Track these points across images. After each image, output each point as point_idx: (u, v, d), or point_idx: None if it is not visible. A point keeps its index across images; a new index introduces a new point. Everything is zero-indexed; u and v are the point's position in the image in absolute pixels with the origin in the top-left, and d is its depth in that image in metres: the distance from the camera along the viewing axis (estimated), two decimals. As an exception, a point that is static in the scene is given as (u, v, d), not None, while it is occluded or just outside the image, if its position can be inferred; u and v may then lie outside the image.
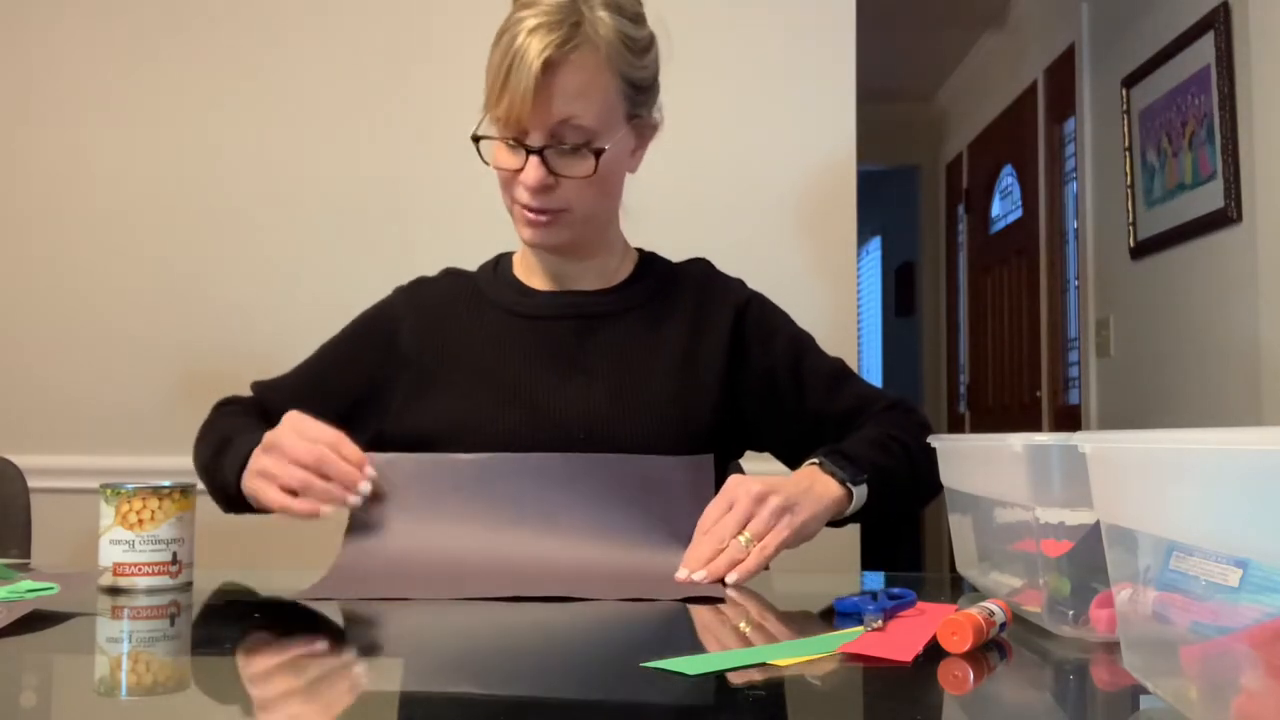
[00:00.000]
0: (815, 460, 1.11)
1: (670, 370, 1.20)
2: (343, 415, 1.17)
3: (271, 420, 1.11)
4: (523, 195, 1.14)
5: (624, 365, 1.20)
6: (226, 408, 1.28)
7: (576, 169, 1.13)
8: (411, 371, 1.23)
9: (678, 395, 1.19)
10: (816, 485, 1.07)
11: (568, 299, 1.25)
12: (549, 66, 1.08)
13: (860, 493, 1.10)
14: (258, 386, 1.30)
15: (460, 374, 1.21)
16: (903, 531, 5.40)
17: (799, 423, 1.24)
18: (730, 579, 0.96)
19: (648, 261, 1.30)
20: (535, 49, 1.07)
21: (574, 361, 1.20)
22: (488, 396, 1.18)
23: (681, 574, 0.97)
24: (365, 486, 1.04)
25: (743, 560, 0.97)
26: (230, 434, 1.16)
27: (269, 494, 1.04)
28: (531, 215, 1.15)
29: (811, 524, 1.04)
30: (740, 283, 1.30)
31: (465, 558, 1.00)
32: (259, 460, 1.06)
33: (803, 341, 1.28)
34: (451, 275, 1.32)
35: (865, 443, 1.15)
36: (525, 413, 1.17)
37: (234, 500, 1.12)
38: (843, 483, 1.08)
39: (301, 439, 1.05)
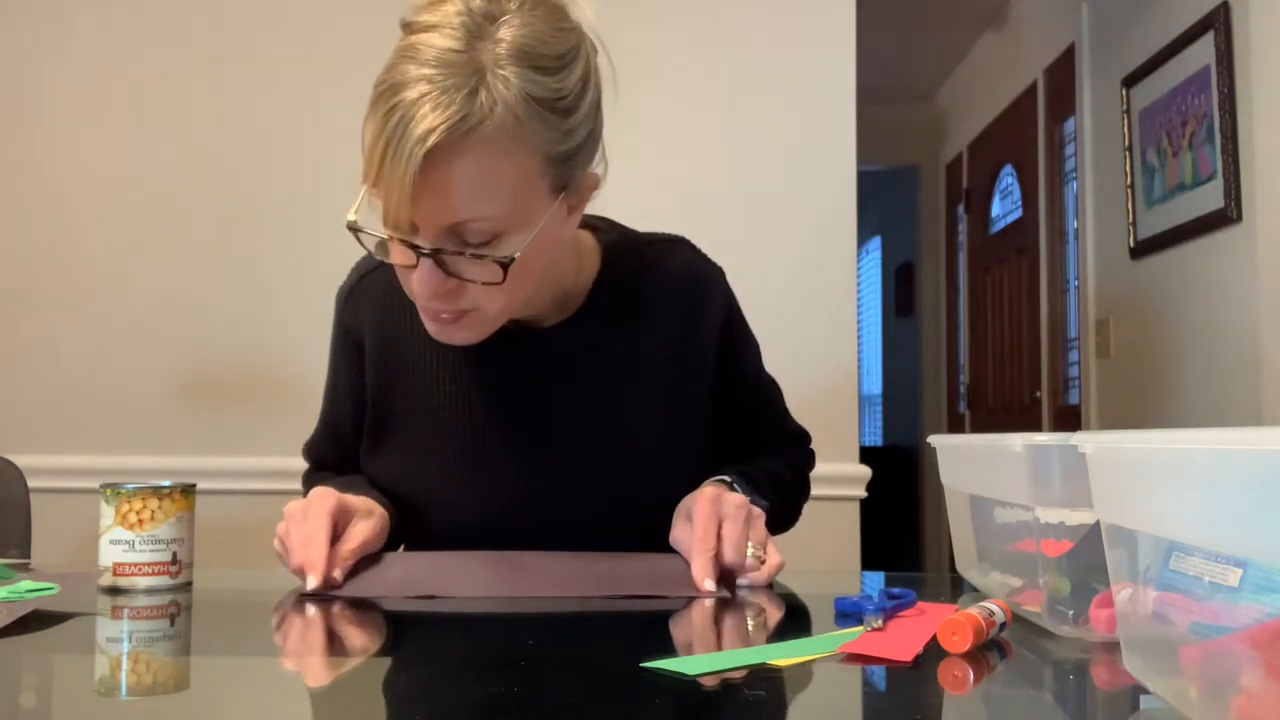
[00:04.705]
0: (726, 479, 1.06)
1: (656, 423, 1.11)
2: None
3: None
4: (419, 298, 0.94)
5: (603, 432, 1.09)
6: (311, 480, 1.21)
7: (481, 274, 0.91)
8: (374, 394, 1.13)
9: (664, 456, 1.10)
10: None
11: (531, 354, 1.09)
12: (436, 155, 0.84)
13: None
14: (307, 453, 1.23)
15: (416, 421, 1.10)
16: (903, 531, 5.41)
17: (722, 423, 1.19)
18: (760, 579, 0.95)
19: (610, 261, 1.12)
20: (417, 133, 0.84)
21: (547, 434, 1.08)
22: (455, 463, 1.08)
23: (706, 585, 0.90)
24: (311, 581, 0.89)
25: (764, 563, 0.96)
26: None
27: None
28: (433, 313, 0.96)
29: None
30: (721, 274, 1.17)
31: (464, 562, 1.01)
32: (282, 524, 0.99)
33: (757, 353, 1.23)
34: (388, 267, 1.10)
35: (766, 475, 1.13)
36: (499, 492, 1.08)
37: None
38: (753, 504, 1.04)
39: (304, 520, 0.95)
